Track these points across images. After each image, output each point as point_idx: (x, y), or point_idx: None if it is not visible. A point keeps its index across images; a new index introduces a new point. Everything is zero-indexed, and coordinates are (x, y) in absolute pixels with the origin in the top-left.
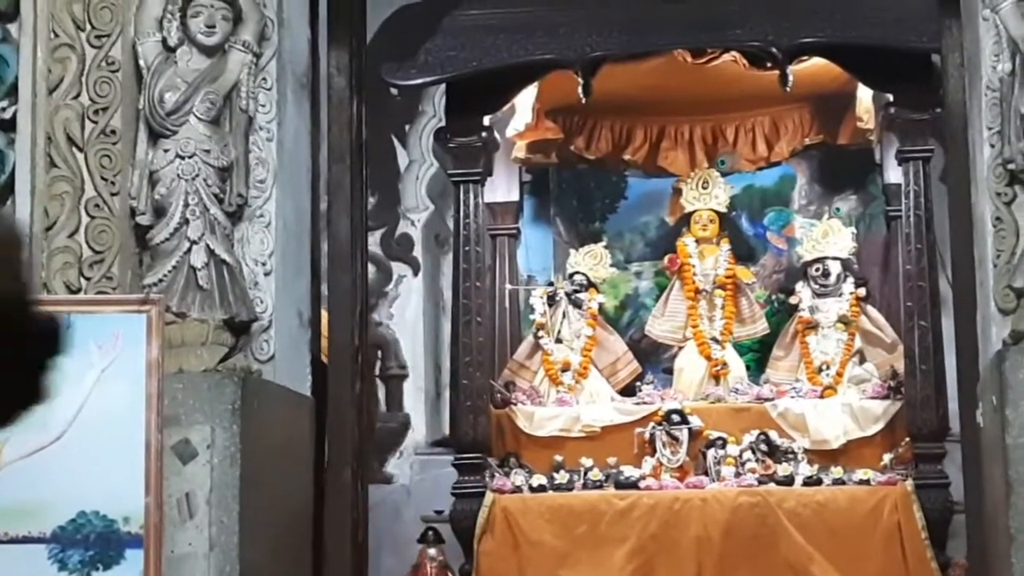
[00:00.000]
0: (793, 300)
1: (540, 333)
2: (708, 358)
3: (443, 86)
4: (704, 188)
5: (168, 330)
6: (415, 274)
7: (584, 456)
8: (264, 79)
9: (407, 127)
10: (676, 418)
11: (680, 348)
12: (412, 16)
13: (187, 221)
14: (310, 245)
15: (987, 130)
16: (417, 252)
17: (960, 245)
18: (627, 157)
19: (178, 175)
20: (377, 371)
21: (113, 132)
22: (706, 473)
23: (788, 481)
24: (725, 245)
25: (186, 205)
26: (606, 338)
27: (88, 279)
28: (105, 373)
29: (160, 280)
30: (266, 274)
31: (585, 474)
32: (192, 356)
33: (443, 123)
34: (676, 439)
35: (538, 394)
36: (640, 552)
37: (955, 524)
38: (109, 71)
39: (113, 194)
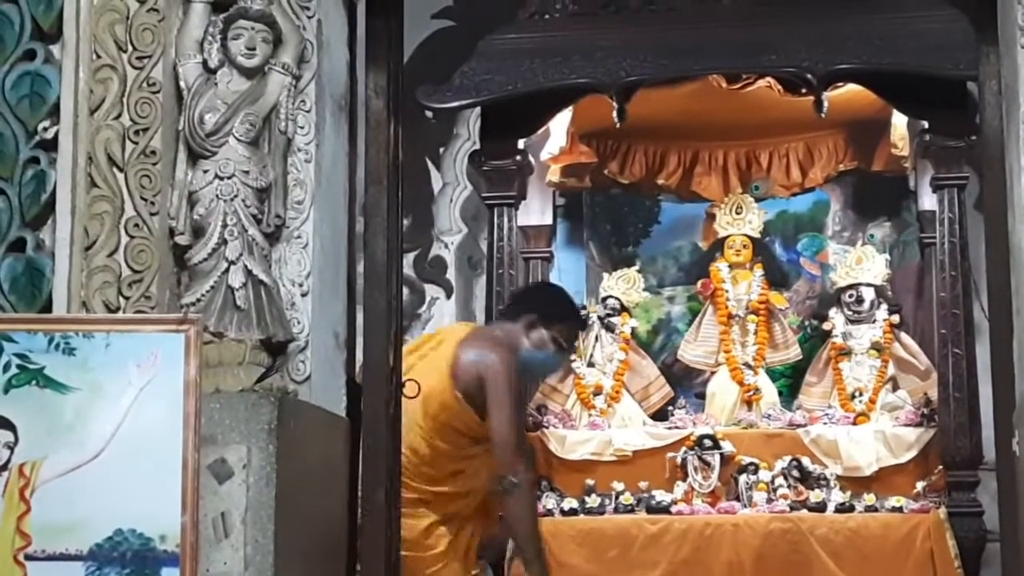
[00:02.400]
0: (826, 326)
1: (572, 357)
2: (741, 383)
3: (478, 109)
4: (738, 213)
5: (206, 350)
6: (448, 296)
7: (616, 480)
8: (303, 101)
9: (441, 150)
10: (708, 443)
11: (712, 373)
12: (448, 39)
13: (225, 241)
14: (346, 266)
15: None
16: (450, 275)
17: (996, 272)
18: (661, 182)
19: (217, 196)
20: None
21: (153, 152)
22: (738, 499)
23: (820, 507)
24: (758, 271)
25: (224, 225)
26: (638, 362)
27: (127, 298)
28: (143, 392)
29: (198, 300)
30: (303, 295)
31: (616, 498)
32: (229, 376)
33: (477, 146)
34: (708, 464)
35: (570, 418)
36: None
37: (988, 552)
38: (150, 92)
39: (152, 214)
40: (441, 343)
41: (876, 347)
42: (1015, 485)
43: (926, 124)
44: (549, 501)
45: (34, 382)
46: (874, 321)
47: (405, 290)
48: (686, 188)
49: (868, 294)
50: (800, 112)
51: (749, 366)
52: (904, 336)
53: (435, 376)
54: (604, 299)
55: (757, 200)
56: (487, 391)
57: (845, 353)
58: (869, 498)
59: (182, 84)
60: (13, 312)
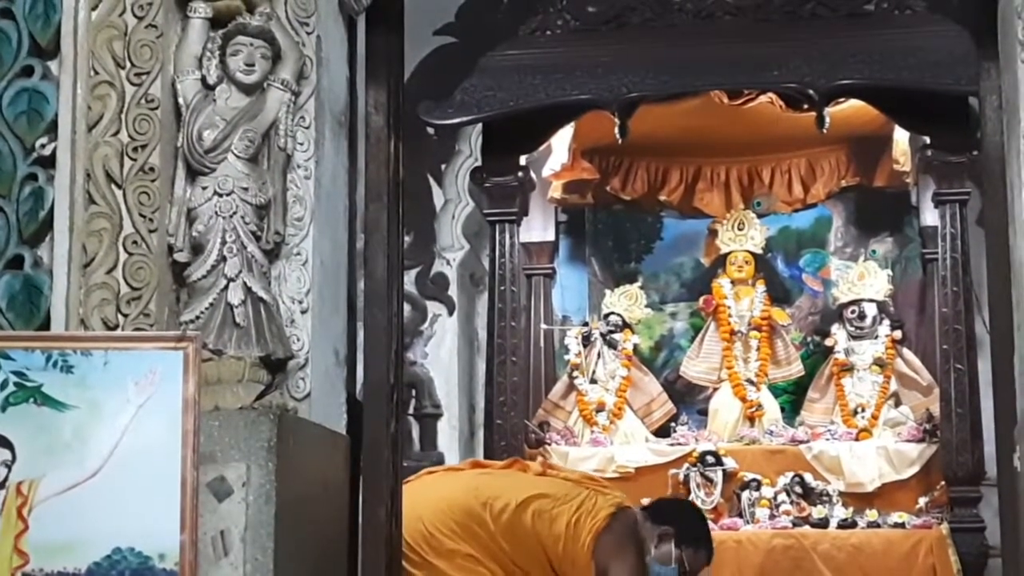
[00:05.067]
0: (828, 342)
1: (575, 373)
2: (743, 399)
3: (479, 126)
4: (740, 229)
5: (204, 367)
6: (450, 313)
7: None
8: (303, 117)
9: (443, 166)
10: (711, 459)
11: (715, 389)
12: (449, 56)
13: (224, 258)
14: (347, 283)
15: None
16: (452, 291)
17: (998, 288)
18: (663, 198)
19: (216, 212)
20: (411, 410)
21: (152, 169)
22: (740, 515)
23: (823, 524)
24: (761, 287)
25: (223, 242)
26: (641, 379)
27: (126, 316)
28: (142, 410)
29: (197, 317)
30: (303, 312)
31: None
32: (228, 393)
33: (479, 162)
34: (710, 480)
35: (572, 434)
36: None
37: (990, 568)
38: (148, 108)
39: (151, 231)
40: (599, 495)
41: (878, 363)
42: (1017, 500)
43: (928, 139)
44: None
45: (32, 400)
46: (876, 337)
47: (407, 307)
48: (688, 204)
49: (870, 310)
50: (802, 128)
51: (751, 382)
52: (906, 352)
53: (575, 517)
54: (606, 315)
55: (759, 216)
56: None
57: (847, 369)
58: (871, 514)
59: (180, 100)
60: (11, 329)
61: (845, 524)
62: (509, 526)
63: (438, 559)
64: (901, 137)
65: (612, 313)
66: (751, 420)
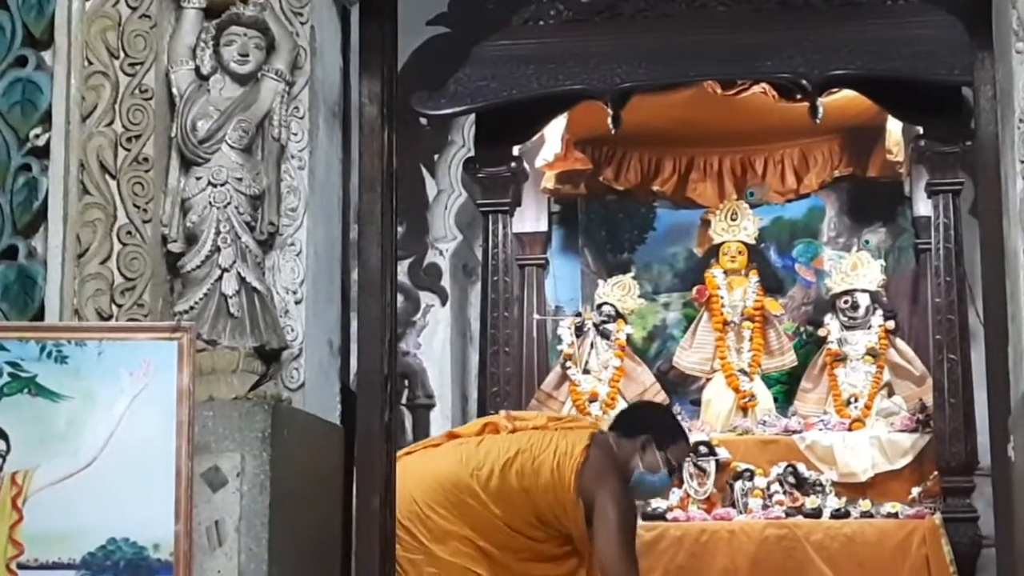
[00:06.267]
0: (821, 332)
1: (568, 364)
2: (736, 390)
3: (472, 116)
4: (733, 220)
5: (199, 358)
6: (443, 304)
7: None
8: (296, 108)
9: (436, 157)
10: (704, 450)
11: (708, 380)
12: (442, 46)
13: (218, 249)
14: (340, 273)
15: (1020, 163)
16: (445, 282)
17: (991, 278)
18: (656, 188)
19: (210, 203)
20: (404, 400)
21: (146, 160)
22: (733, 505)
23: (816, 514)
24: (754, 277)
25: (218, 233)
26: (634, 369)
27: (120, 306)
28: (136, 400)
29: (191, 307)
30: (297, 302)
31: None
32: (222, 384)
33: (472, 153)
34: (704, 471)
35: None
36: None
37: (984, 558)
38: (142, 99)
39: (145, 221)
40: (570, 431)
41: (871, 353)
42: (1010, 490)
43: (921, 130)
44: None
45: (26, 390)
46: (869, 327)
47: (400, 297)
48: (681, 194)
49: (863, 300)
50: (795, 118)
51: (745, 372)
52: (899, 342)
53: (556, 459)
54: (599, 306)
55: (752, 206)
56: (599, 515)
57: (840, 359)
58: (865, 504)
59: (174, 91)
60: (5, 320)
61: (838, 514)
62: (498, 491)
63: (435, 544)
64: (894, 127)
65: (605, 303)
66: (744, 410)
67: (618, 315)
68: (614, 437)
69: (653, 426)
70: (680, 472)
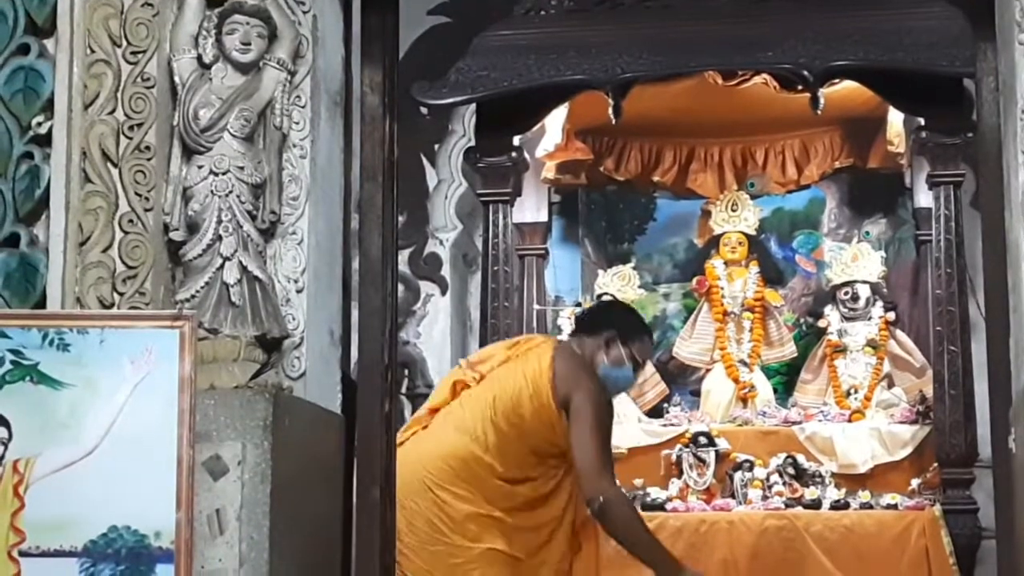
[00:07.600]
0: (821, 323)
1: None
2: (736, 380)
3: (473, 106)
4: (733, 210)
5: (200, 346)
6: (443, 293)
7: None
8: (298, 96)
9: (436, 146)
10: (703, 440)
11: (708, 370)
12: (443, 36)
13: (220, 237)
14: (341, 263)
15: (1021, 155)
16: (445, 271)
17: (993, 270)
18: (656, 179)
19: (212, 191)
20: (404, 389)
21: (148, 148)
22: (733, 496)
23: (815, 505)
24: (754, 268)
25: (219, 221)
26: None
27: (121, 294)
28: (138, 388)
29: (193, 296)
30: (298, 291)
31: None
32: (224, 372)
33: (473, 143)
34: (703, 461)
35: None
36: None
37: (983, 550)
38: (144, 87)
39: (147, 210)
40: (529, 351)
41: (871, 344)
42: (1011, 482)
43: (922, 121)
44: None
45: (28, 378)
46: (869, 318)
47: (400, 287)
48: (682, 185)
49: (864, 291)
50: (796, 109)
51: (744, 363)
52: (900, 333)
53: (529, 383)
54: (599, 296)
55: (753, 197)
56: (575, 415)
57: (840, 350)
58: (864, 495)
59: (176, 79)
60: (7, 308)
61: (838, 505)
62: (497, 446)
63: (455, 534)
64: (895, 118)
65: (605, 294)
66: (744, 401)
67: None
68: (577, 340)
69: (617, 322)
70: (643, 368)
